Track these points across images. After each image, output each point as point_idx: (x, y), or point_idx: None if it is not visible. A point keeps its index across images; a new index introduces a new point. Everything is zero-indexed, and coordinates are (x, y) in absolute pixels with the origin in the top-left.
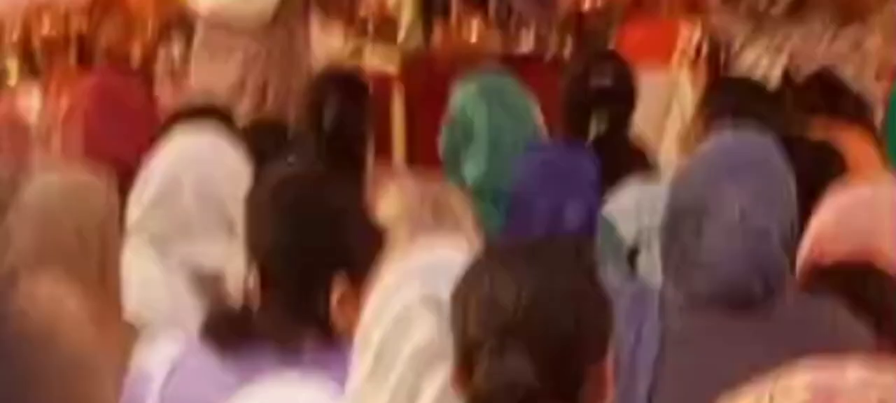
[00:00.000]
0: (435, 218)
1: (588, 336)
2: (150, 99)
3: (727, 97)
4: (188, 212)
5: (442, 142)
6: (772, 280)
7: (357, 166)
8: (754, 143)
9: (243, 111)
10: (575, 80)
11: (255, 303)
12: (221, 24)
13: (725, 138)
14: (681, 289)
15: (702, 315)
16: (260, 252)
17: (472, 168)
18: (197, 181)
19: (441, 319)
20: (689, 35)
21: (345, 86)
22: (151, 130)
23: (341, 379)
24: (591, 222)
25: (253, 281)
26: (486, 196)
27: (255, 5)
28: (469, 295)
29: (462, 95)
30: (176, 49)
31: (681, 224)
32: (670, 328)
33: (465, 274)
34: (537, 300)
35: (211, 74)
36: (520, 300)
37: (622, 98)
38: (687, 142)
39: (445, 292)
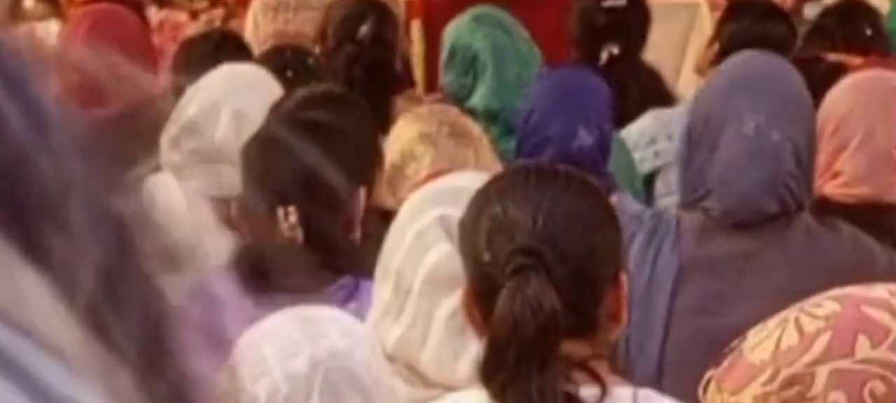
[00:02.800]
0: (455, 143)
1: (603, 257)
2: (146, 26)
3: (743, 21)
4: (224, 138)
5: (444, 80)
6: (786, 197)
7: (388, 85)
8: (771, 63)
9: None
10: (587, 4)
11: (277, 234)
12: None
13: (743, 57)
14: (696, 209)
15: (718, 240)
16: (274, 183)
17: (482, 95)
18: (236, 109)
19: (455, 243)
20: None
21: (379, 6)
22: (148, 58)
23: (364, 312)
24: (604, 146)
25: (283, 215)
26: (498, 120)
27: None
28: (480, 220)
29: (458, 29)
30: None
31: (698, 141)
32: (686, 255)
33: (474, 200)
34: (555, 222)
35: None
36: (537, 222)
37: (635, 19)
38: (704, 66)
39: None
